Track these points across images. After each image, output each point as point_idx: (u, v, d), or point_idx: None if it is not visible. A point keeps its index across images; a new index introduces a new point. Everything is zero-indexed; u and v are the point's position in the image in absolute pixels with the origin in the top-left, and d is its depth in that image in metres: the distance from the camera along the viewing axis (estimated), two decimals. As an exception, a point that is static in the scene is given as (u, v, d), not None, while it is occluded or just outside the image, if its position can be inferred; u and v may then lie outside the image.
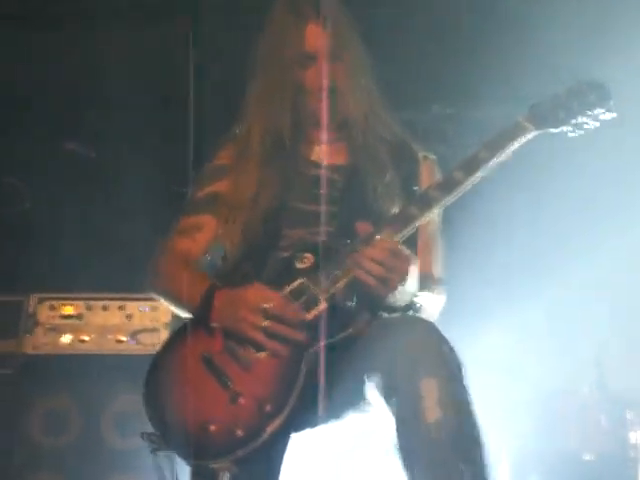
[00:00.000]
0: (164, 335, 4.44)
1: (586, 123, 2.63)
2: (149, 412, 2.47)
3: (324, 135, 2.84)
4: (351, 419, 2.55)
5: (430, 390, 2.19)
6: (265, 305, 2.45)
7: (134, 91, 4.90)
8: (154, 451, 2.47)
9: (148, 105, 4.96)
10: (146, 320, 4.56)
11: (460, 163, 2.56)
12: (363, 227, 2.49)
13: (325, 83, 2.73)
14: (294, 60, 2.78)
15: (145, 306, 4.57)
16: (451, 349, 2.31)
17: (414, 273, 2.53)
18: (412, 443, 2.21)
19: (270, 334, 2.44)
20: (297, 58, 2.77)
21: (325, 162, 2.83)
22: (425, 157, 2.92)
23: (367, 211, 2.69)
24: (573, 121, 2.63)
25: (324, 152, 2.85)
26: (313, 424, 2.54)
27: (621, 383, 5.26)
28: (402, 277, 2.45)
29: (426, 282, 2.69)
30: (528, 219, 5.40)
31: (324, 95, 2.74)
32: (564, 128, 2.64)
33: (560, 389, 5.35)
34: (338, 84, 2.76)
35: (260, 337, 2.44)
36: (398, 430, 2.24)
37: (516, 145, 2.57)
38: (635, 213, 5.23)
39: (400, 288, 2.47)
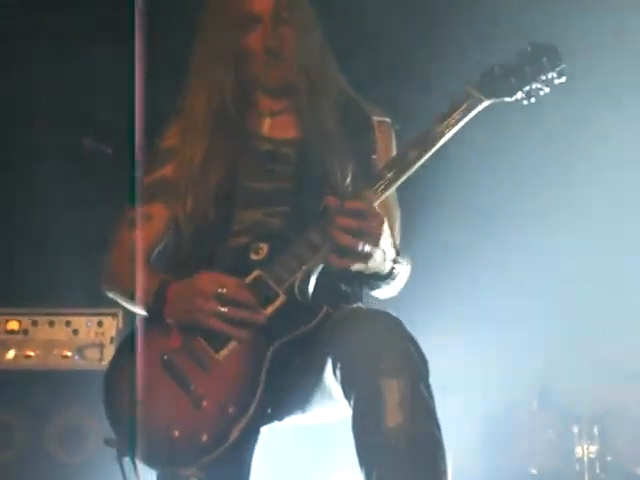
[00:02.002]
0: (110, 350, 4.41)
1: (540, 89, 2.49)
2: (111, 420, 2.40)
3: (271, 104, 2.76)
4: (316, 412, 2.52)
5: (392, 392, 2.13)
6: (219, 290, 2.37)
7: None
8: (118, 457, 2.39)
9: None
10: (92, 335, 4.52)
11: (413, 139, 2.44)
12: (332, 201, 2.37)
13: (270, 45, 2.64)
14: (238, 23, 2.67)
15: (91, 321, 4.53)
16: (417, 347, 2.23)
17: (389, 237, 2.43)
18: (370, 445, 2.14)
19: (230, 320, 2.36)
20: (241, 20, 2.67)
21: (276, 136, 2.74)
22: (380, 122, 2.81)
23: (321, 186, 2.60)
24: (527, 88, 2.49)
25: (274, 125, 2.75)
26: (279, 418, 2.49)
27: (568, 397, 5.30)
28: (376, 237, 2.34)
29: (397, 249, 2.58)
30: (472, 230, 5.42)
31: (268, 58, 2.65)
32: (518, 96, 2.50)
33: (508, 403, 5.38)
34: (283, 47, 2.67)
35: (220, 325, 2.36)
36: (355, 429, 2.18)
37: (469, 117, 2.45)
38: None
39: (379, 252, 2.38)
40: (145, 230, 2.70)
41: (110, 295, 2.73)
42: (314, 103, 2.73)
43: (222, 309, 2.36)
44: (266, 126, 2.76)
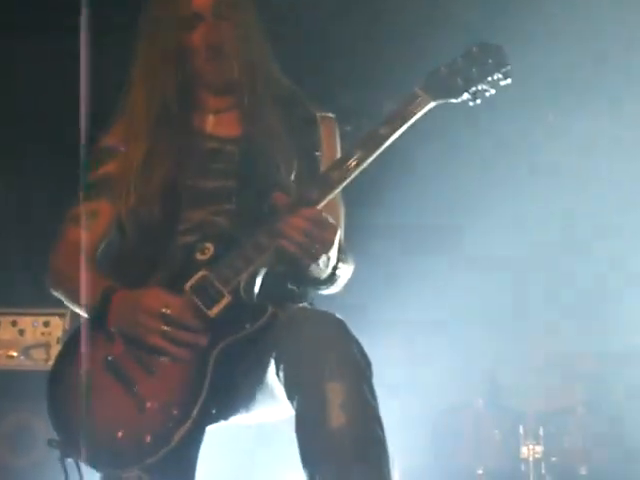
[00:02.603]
0: (56, 350, 4.34)
1: (486, 90, 2.49)
2: (54, 421, 2.39)
3: (214, 102, 2.74)
4: (260, 411, 2.52)
5: (335, 394, 2.13)
6: (163, 310, 2.37)
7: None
8: (62, 458, 2.37)
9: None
10: (38, 335, 4.48)
11: (360, 141, 2.45)
12: (281, 198, 2.39)
13: (211, 41, 2.64)
14: (180, 21, 2.67)
15: (38, 321, 4.49)
16: (360, 349, 2.24)
17: (336, 243, 2.44)
18: (313, 447, 2.15)
19: (171, 339, 2.36)
20: (183, 18, 2.66)
21: (220, 134, 2.72)
22: (323, 117, 2.80)
23: (266, 183, 2.59)
24: (473, 89, 2.49)
25: (218, 122, 2.74)
26: (225, 417, 2.48)
27: (514, 398, 5.34)
28: (328, 246, 2.38)
29: (341, 253, 2.58)
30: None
31: (210, 54, 2.64)
32: (464, 97, 2.50)
33: (454, 404, 5.42)
34: (225, 44, 2.66)
35: (161, 343, 2.36)
36: (299, 430, 2.18)
37: (415, 118, 2.44)
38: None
39: (324, 259, 2.40)
40: (90, 227, 2.68)
41: (55, 294, 2.71)
42: (257, 100, 2.72)
43: (165, 328, 2.36)
44: (210, 124, 2.75)
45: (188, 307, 2.37)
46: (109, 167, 2.72)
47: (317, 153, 2.73)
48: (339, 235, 2.49)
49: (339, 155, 2.73)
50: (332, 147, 2.77)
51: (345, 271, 2.61)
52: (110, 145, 2.75)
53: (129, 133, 2.71)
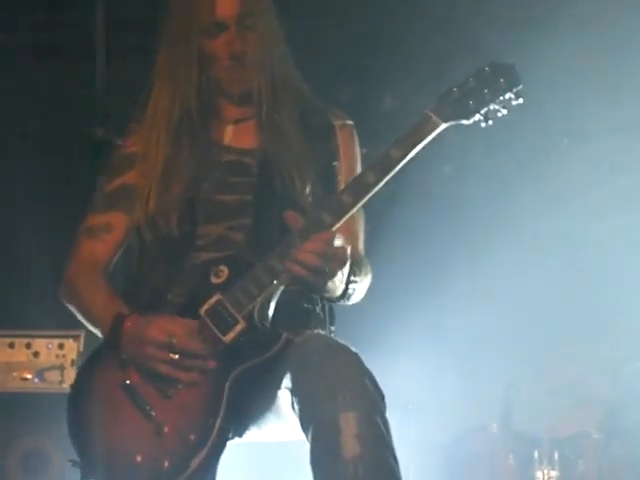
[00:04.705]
0: (71, 372, 4.37)
1: (498, 111, 2.46)
2: (74, 443, 2.41)
3: (234, 112, 2.75)
4: (271, 430, 2.55)
5: (349, 424, 2.14)
6: (170, 340, 2.38)
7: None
8: (83, 479, 2.40)
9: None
10: (53, 357, 4.48)
11: (372, 164, 2.45)
12: (293, 218, 2.37)
13: (234, 51, 2.64)
14: (203, 29, 2.66)
15: (52, 343, 4.49)
16: (373, 381, 2.25)
17: (348, 262, 2.44)
18: (328, 477, 2.15)
19: (181, 366, 2.38)
20: (207, 26, 2.66)
21: (237, 145, 2.73)
22: (342, 126, 2.80)
23: (282, 197, 2.61)
24: (484, 110, 2.46)
25: (236, 134, 2.74)
26: (239, 435, 2.49)
27: (529, 422, 5.32)
28: (340, 266, 2.38)
29: (356, 265, 2.59)
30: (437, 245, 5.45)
31: (232, 64, 2.65)
32: (476, 118, 2.47)
33: (468, 428, 5.40)
34: (248, 53, 2.66)
35: (171, 372, 2.38)
36: (313, 461, 2.19)
37: (427, 140, 2.43)
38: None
39: (338, 276, 2.40)
40: (104, 241, 2.70)
41: (69, 307, 2.71)
42: (275, 110, 2.72)
43: (173, 357, 2.39)
44: (228, 135, 2.76)
45: (195, 333, 2.39)
46: (126, 178, 2.72)
47: (334, 163, 2.74)
48: (360, 236, 2.51)
49: (358, 163, 2.77)
50: (350, 156, 2.79)
51: (361, 285, 2.63)
52: (127, 155, 2.76)
53: (150, 139, 2.71)
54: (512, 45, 4.28)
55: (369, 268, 2.70)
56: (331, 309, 2.74)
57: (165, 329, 2.41)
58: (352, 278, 2.55)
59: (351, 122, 2.83)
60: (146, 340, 2.41)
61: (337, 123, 2.80)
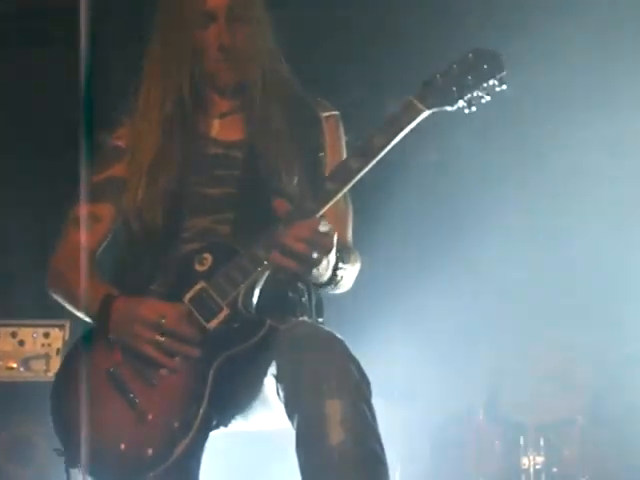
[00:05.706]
0: (56, 361, 4.37)
1: (482, 97, 2.45)
2: (58, 431, 2.41)
3: (221, 104, 2.75)
4: (257, 419, 2.55)
5: (334, 411, 2.14)
6: (160, 320, 2.38)
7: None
8: (67, 468, 2.40)
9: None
10: (38, 346, 4.47)
11: (356, 150, 2.45)
12: (280, 204, 2.38)
13: (223, 42, 2.64)
14: (194, 20, 2.66)
15: (37, 332, 4.49)
16: (359, 368, 2.25)
17: (334, 247, 2.43)
18: (313, 464, 2.15)
19: (166, 350, 2.38)
20: (197, 17, 2.66)
21: (223, 138, 2.73)
22: (328, 117, 2.80)
23: (268, 189, 2.61)
24: (468, 96, 2.45)
25: (222, 126, 2.74)
26: (225, 424, 2.49)
27: (515, 409, 5.34)
28: (325, 252, 2.36)
29: (343, 253, 2.58)
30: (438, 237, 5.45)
31: (221, 55, 2.65)
32: (459, 104, 2.47)
33: (454, 415, 5.41)
34: (236, 46, 2.66)
35: (154, 354, 2.38)
36: (299, 448, 2.19)
37: (410, 127, 2.42)
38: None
39: (324, 263, 2.39)
40: (92, 231, 2.70)
41: (53, 295, 2.72)
42: (263, 103, 2.73)
43: (159, 338, 2.38)
44: (215, 128, 2.75)
45: (184, 317, 2.38)
46: (114, 170, 2.72)
47: (321, 154, 2.74)
48: (348, 225, 2.50)
49: (344, 153, 2.77)
50: (336, 146, 2.79)
51: (349, 271, 2.62)
52: (115, 147, 2.76)
53: (140, 131, 2.71)
54: (510, 41, 4.28)
55: (357, 256, 2.70)
56: (319, 301, 2.73)
57: (156, 309, 2.42)
58: (340, 265, 2.54)
59: (337, 112, 2.83)
60: (135, 317, 2.41)
61: (323, 115, 2.80)
